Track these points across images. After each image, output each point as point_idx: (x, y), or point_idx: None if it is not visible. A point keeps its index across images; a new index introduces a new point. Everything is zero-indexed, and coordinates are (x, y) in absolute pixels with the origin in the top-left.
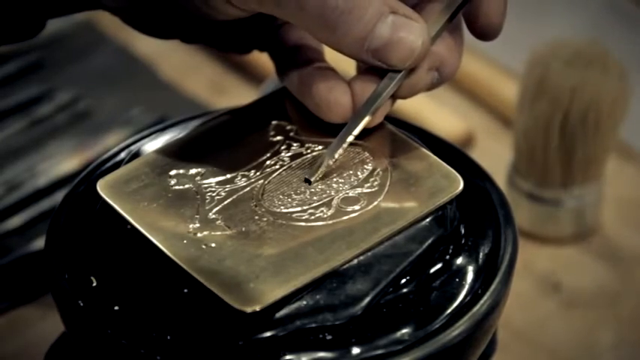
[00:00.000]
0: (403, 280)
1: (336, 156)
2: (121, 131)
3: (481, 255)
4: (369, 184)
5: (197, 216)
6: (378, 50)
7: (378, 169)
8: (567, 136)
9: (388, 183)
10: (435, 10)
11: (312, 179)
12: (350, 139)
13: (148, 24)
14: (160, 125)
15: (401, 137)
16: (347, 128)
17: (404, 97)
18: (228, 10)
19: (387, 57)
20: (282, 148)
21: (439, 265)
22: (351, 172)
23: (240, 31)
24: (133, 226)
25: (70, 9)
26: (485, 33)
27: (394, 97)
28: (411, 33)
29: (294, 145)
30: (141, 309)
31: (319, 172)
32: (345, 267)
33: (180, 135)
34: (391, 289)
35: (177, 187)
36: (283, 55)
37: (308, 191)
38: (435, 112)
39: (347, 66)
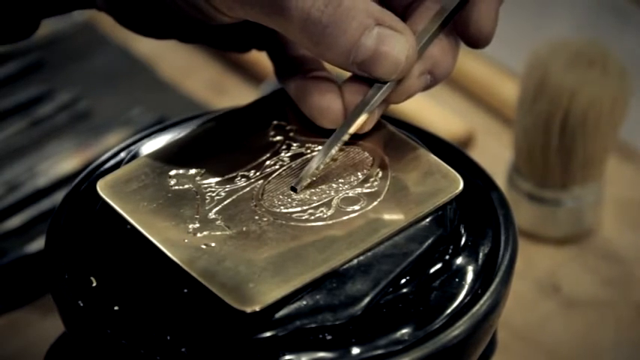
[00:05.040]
0: (403, 280)
1: (322, 165)
2: (121, 131)
3: (481, 255)
4: (368, 185)
5: (197, 216)
6: (363, 63)
7: (378, 170)
8: (567, 136)
9: (388, 183)
10: (427, 15)
11: (298, 187)
12: (340, 144)
13: (141, 24)
14: (159, 125)
15: (401, 137)
16: (336, 134)
17: (396, 102)
18: (216, 17)
19: (372, 70)
20: (282, 148)
21: (439, 265)
22: (350, 172)
23: (237, 31)
24: (132, 227)
25: (63, 8)
26: (476, 41)
27: (386, 102)
28: (396, 47)
29: (294, 145)
30: (141, 309)
31: (305, 180)
32: (345, 267)
33: (180, 135)
34: (391, 289)
35: (177, 188)
36: (281, 59)
37: (308, 191)
38: (435, 112)
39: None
